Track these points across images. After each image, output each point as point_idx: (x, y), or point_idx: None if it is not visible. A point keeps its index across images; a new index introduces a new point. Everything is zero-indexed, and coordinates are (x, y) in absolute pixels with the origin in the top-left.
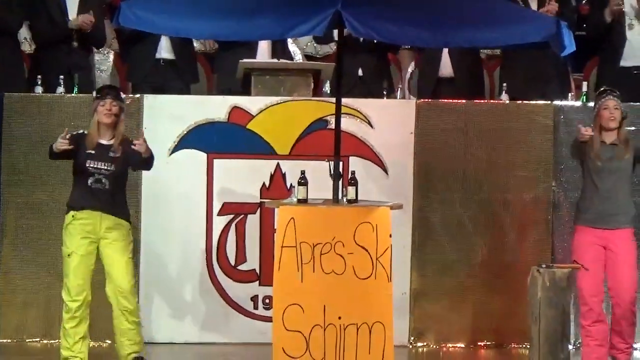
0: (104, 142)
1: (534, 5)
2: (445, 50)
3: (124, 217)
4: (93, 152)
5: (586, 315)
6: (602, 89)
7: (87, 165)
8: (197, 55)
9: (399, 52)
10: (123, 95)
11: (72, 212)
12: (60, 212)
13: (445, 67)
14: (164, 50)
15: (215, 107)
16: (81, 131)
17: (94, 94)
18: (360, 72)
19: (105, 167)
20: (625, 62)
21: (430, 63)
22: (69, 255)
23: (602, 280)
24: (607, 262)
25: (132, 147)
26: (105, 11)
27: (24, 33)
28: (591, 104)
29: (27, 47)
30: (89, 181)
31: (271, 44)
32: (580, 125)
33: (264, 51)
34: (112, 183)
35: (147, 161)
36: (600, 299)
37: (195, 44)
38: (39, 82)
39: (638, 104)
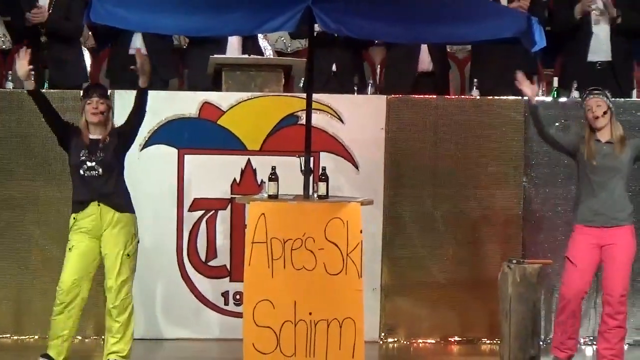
0: (93, 136)
1: (503, 1)
2: (424, 45)
3: (125, 209)
4: (85, 146)
5: (563, 309)
6: (588, 90)
7: (80, 156)
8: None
9: (370, 48)
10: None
11: (73, 215)
12: (29, 207)
13: (425, 61)
14: (140, 48)
15: (186, 103)
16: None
17: (81, 93)
18: (334, 68)
19: (96, 155)
20: (590, 57)
21: (409, 58)
22: (69, 248)
23: (588, 281)
24: (603, 259)
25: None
26: (82, 7)
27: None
28: (562, 99)
29: (0, 42)
30: (82, 170)
31: (241, 40)
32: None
33: (234, 47)
34: (105, 169)
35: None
36: (581, 297)
37: (178, 39)
38: (10, 78)
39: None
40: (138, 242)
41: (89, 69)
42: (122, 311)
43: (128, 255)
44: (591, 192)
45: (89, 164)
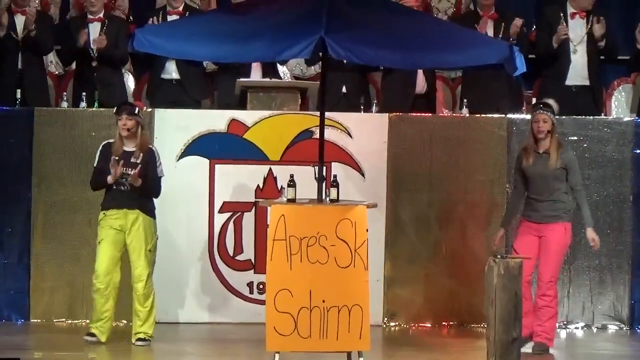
0: (128, 149)
1: (490, 32)
2: (420, 70)
3: (147, 212)
4: (117, 158)
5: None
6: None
7: (112, 170)
8: (204, 75)
9: (373, 73)
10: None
11: (102, 211)
12: (80, 209)
13: (420, 84)
14: (174, 72)
15: (216, 120)
16: (106, 142)
17: (115, 110)
18: (344, 89)
19: (126, 171)
20: (568, 81)
21: (406, 81)
22: (99, 242)
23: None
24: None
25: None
26: (129, 36)
27: (50, 56)
28: None
29: (53, 68)
30: (113, 184)
31: (262, 66)
32: None
33: (256, 72)
34: (133, 185)
35: (142, 189)
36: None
37: (207, 65)
38: (64, 98)
39: (579, 117)
40: (157, 239)
41: (131, 90)
42: (149, 299)
43: (150, 250)
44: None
45: (120, 179)
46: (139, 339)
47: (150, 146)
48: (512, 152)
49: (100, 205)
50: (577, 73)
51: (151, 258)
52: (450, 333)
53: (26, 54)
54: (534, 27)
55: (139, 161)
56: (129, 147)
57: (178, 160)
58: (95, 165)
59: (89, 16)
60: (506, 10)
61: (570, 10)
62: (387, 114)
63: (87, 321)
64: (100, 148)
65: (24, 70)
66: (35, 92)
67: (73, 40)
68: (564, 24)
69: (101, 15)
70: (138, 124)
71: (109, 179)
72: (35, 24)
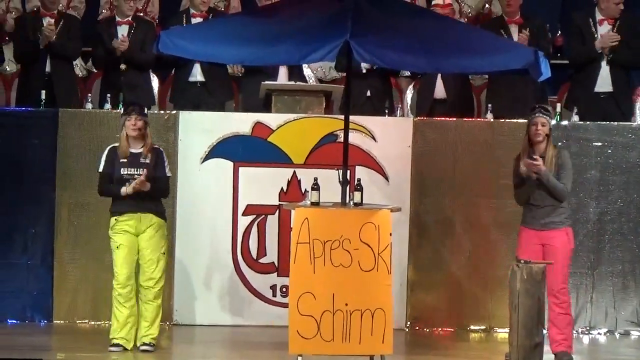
0: (134, 150)
1: (515, 37)
2: (439, 75)
3: (160, 215)
4: (126, 160)
5: None
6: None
7: (122, 173)
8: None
9: (398, 77)
10: (151, 111)
11: (114, 217)
12: (104, 210)
13: (439, 90)
14: (199, 75)
15: (240, 122)
16: (111, 146)
17: (122, 110)
18: (368, 93)
19: (138, 173)
20: (597, 88)
21: (427, 86)
22: (117, 247)
23: None
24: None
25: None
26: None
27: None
28: (564, 122)
29: (78, 71)
30: (123, 188)
31: (288, 69)
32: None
33: (282, 75)
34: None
35: (152, 190)
36: None
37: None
38: (89, 100)
39: (603, 122)
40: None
41: (156, 92)
42: (157, 297)
43: (163, 253)
44: None
45: (131, 181)
46: (144, 344)
47: (157, 146)
48: None
49: (110, 212)
50: (604, 80)
51: (165, 260)
52: (473, 338)
53: (54, 58)
54: (559, 32)
55: (148, 161)
56: (136, 149)
57: (202, 162)
58: (101, 170)
59: (117, 18)
60: (531, 15)
61: (598, 17)
62: (412, 118)
63: (110, 322)
64: (105, 152)
65: (52, 74)
66: (65, 94)
67: (104, 42)
68: (601, 31)
69: (129, 18)
70: (146, 124)
71: (123, 190)
72: (60, 30)
